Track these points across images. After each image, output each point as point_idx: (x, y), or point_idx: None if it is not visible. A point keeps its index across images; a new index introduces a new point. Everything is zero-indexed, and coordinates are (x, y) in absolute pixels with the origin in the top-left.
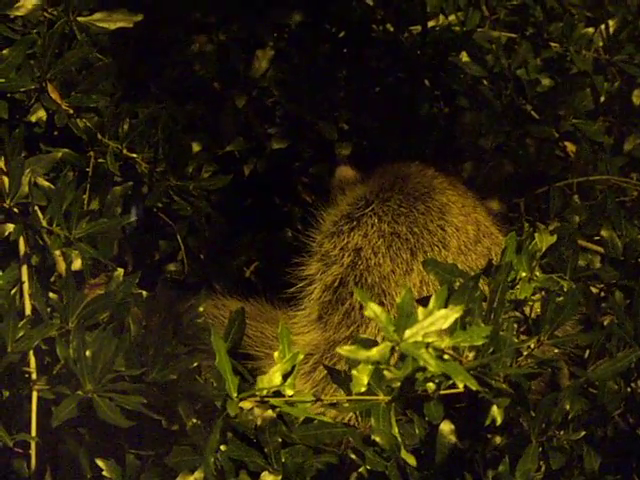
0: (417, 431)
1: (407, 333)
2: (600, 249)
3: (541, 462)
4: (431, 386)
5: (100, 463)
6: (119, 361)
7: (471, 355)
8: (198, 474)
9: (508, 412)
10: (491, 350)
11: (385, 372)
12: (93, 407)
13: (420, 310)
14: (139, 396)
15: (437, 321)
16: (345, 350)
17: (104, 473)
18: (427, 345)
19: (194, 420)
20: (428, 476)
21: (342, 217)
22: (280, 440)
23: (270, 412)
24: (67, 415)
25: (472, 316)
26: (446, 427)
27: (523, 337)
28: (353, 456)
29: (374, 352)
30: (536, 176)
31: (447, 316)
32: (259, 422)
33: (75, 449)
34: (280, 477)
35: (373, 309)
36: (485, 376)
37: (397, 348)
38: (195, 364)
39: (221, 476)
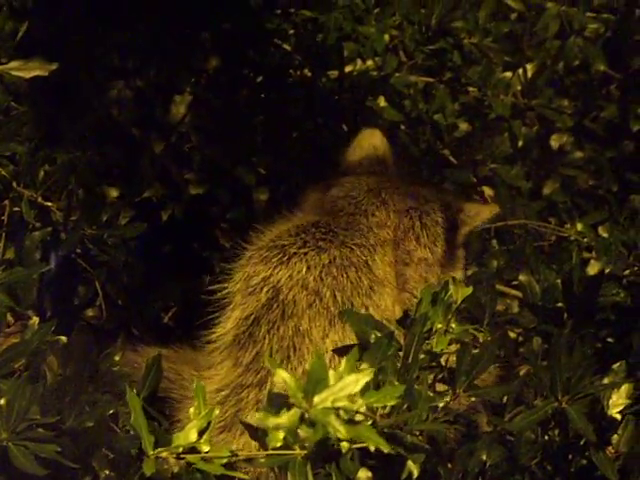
0: None
1: (316, 399)
2: (518, 294)
3: None
4: (345, 445)
5: None
6: (34, 409)
7: (386, 411)
8: None
9: (425, 464)
10: (406, 406)
11: (299, 431)
12: (8, 455)
13: (331, 374)
14: (54, 444)
15: (347, 386)
16: (255, 419)
17: None
18: (337, 409)
19: (106, 472)
20: None
21: (274, 245)
22: None
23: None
24: None
25: (385, 374)
26: (363, 475)
27: (440, 388)
28: None
29: (283, 419)
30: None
31: (358, 380)
32: (176, 470)
33: None
34: None
35: (282, 375)
36: (400, 432)
37: (306, 415)
38: (111, 411)
39: None
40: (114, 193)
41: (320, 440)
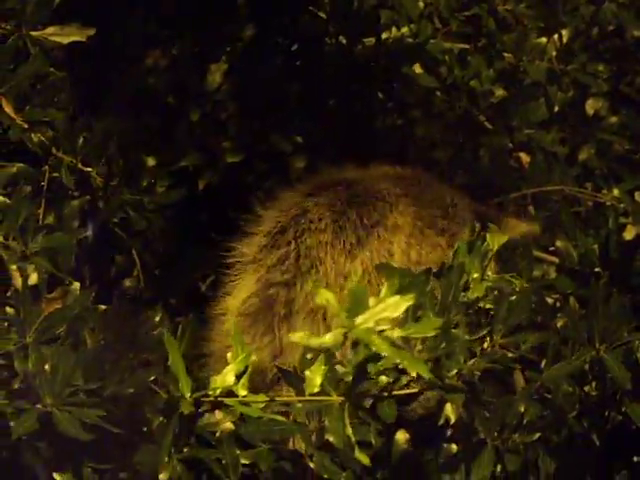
0: (373, 441)
1: (359, 319)
2: (555, 259)
3: (497, 466)
4: (383, 379)
5: (57, 477)
6: (77, 375)
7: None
8: (163, 474)
9: (462, 414)
10: (443, 345)
11: (337, 367)
12: (52, 421)
13: (372, 298)
14: (98, 409)
15: (389, 308)
16: (298, 337)
17: None
18: (379, 332)
19: (160, 419)
20: None
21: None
22: (238, 453)
23: (229, 424)
24: (26, 429)
25: (424, 309)
26: (401, 436)
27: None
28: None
29: (327, 338)
30: (490, 187)
31: (399, 304)
32: (218, 434)
33: (33, 462)
34: None
35: (325, 296)
36: (437, 372)
37: (349, 334)
38: (152, 377)
39: None
40: (151, 161)
41: (358, 377)
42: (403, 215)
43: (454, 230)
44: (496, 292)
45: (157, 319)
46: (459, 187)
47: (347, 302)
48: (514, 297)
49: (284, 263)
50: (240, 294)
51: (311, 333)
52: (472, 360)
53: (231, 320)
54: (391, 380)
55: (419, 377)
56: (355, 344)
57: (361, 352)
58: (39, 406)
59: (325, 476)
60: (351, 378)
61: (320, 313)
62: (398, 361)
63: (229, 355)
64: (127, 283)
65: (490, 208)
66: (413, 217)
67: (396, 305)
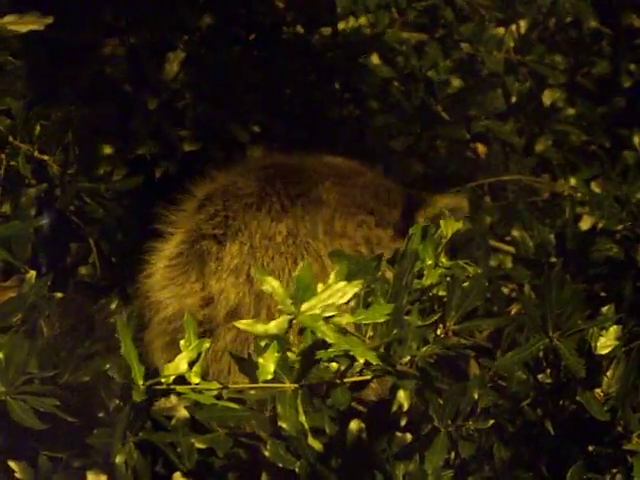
0: (327, 428)
1: (305, 306)
2: (512, 249)
3: (451, 453)
4: (334, 366)
5: (12, 465)
6: (32, 363)
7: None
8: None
9: (415, 402)
10: (395, 332)
11: (289, 354)
12: (6, 409)
13: (319, 285)
14: (52, 398)
15: (335, 294)
16: (243, 324)
17: (16, 475)
18: (326, 319)
19: (117, 401)
20: (336, 472)
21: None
22: (193, 442)
23: (184, 412)
24: None
25: (374, 296)
26: (355, 425)
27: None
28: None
29: (272, 325)
30: (447, 177)
31: (346, 290)
32: (173, 421)
33: None
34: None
35: (270, 283)
36: (389, 359)
37: (294, 321)
38: (108, 365)
39: (134, 471)
40: (108, 150)
41: (308, 363)
42: (328, 191)
43: (383, 211)
44: (449, 279)
45: (113, 307)
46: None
47: (293, 287)
48: (467, 283)
49: (214, 219)
50: (170, 245)
51: (237, 290)
52: (425, 347)
53: (160, 269)
54: (342, 367)
55: (369, 363)
56: (302, 331)
57: (308, 339)
58: None
59: (279, 464)
60: (300, 365)
61: (245, 271)
62: (346, 348)
63: (182, 342)
64: (83, 271)
65: (423, 192)
66: (339, 193)
67: (343, 291)
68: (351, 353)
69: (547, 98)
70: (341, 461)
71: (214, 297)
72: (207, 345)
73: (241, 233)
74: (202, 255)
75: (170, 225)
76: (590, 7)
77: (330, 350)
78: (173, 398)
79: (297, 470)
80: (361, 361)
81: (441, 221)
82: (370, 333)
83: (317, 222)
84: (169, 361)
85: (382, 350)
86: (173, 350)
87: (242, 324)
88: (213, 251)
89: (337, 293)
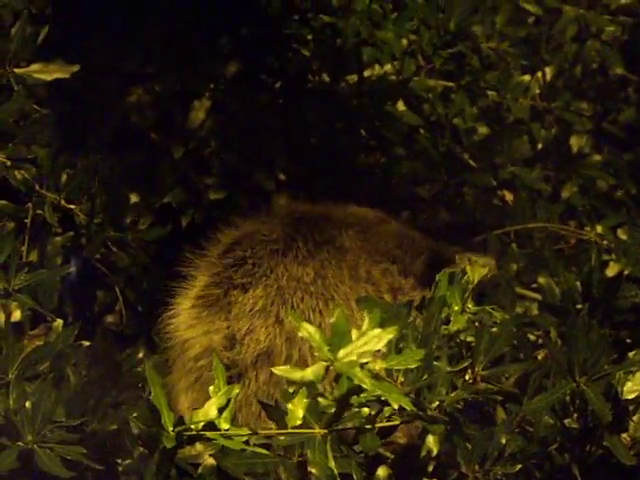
0: (355, 474)
1: (341, 353)
2: (538, 296)
3: None
4: (366, 411)
5: None
6: (59, 411)
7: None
8: None
9: (443, 444)
10: (425, 377)
11: (319, 399)
12: (33, 458)
13: (354, 331)
14: (79, 446)
15: (371, 341)
16: (280, 370)
17: None
18: (362, 365)
19: (141, 449)
20: None
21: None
22: None
23: (210, 460)
24: (8, 466)
25: (405, 341)
26: (383, 472)
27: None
28: None
29: (308, 372)
30: (474, 224)
31: (381, 336)
32: (200, 469)
33: None
34: None
35: (307, 329)
36: (419, 403)
37: (331, 367)
38: (135, 414)
39: None
40: (134, 198)
41: (340, 408)
42: (352, 239)
43: (406, 260)
44: (477, 324)
45: (139, 355)
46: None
47: (329, 335)
48: (495, 329)
49: (240, 264)
50: (196, 287)
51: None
52: (454, 392)
53: (186, 309)
54: (373, 412)
55: (401, 409)
56: (337, 377)
57: (344, 385)
58: (20, 443)
59: None
60: (333, 410)
61: (274, 313)
62: (380, 393)
63: (211, 388)
64: (109, 319)
65: (447, 246)
66: (363, 241)
67: (379, 338)
68: (383, 398)
69: (574, 144)
70: None
71: (241, 339)
72: (237, 391)
73: (267, 277)
74: (229, 298)
75: (195, 269)
76: (616, 54)
77: (363, 395)
78: (199, 446)
79: None
80: (395, 406)
81: (467, 267)
82: (401, 379)
83: (343, 267)
84: (194, 401)
85: (412, 395)
86: (198, 390)
87: (279, 370)
88: (240, 294)
89: (373, 340)
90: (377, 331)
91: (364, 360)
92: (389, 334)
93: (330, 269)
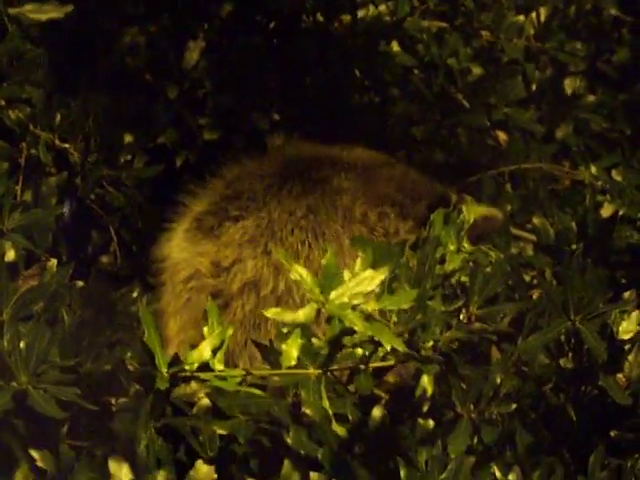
0: (349, 414)
1: (333, 295)
2: (532, 237)
3: (474, 439)
4: (359, 352)
5: (34, 453)
6: (53, 352)
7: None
8: (141, 444)
9: (438, 385)
10: (418, 317)
11: (313, 340)
12: (28, 399)
13: (346, 272)
14: (74, 387)
15: (363, 282)
16: (271, 312)
17: (38, 463)
18: (353, 307)
19: (137, 387)
20: (359, 459)
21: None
22: (215, 428)
23: (206, 400)
24: (2, 407)
25: (399, 281)
26: (377, 412)
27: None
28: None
29: (300, 314)
30: (468, 165)
31: (373, 277)
32: (194, 408)
33: (9, 440)
34: (214, 467)
35: (299, 271)
36: (413, 344)
37: (323, 310)
38: (129, 354)
39: (154, 459)
40: (129, 138)
41: (333, 349)
42: (351, 180)
43: (407, 204)
44: (472, 264)
45: (134, 295)
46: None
47: (320, 276)
48: (489, 269)
49: (237, 197)
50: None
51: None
52: (448, 332)
53: (180, 233)
54: (367, 353)
55: (395, 349)
56: (329, 319)
57: (335, 327)
58: (14, 384)
59: (302, 452)
60: (326, 351)
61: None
62: (372, 334)
63: (205, 329)
64: (104, 259)
65: (451, 189)
66: (362, 183)
67: (371, 279)
68: (376, 339)
69: (568, 86)
70: (363, 448)
71: (228, 267)
72: (231, 332)
73: (260, 210)
74: (222, 228)
75: (194, 198)
76: None
77: (356, 336)
78: (194, 384)
79: (319, 457)
80: (387, 347)
81: (463, 206)
82: (394, 319)
83: (337, 206)
84: (183, 325)
85: (406, 336)
86: (187, 314)
87: (270, 312)
88: (231, 225)
89: (364, 281)
90: (369, 272)
91: (356, 302)
92: (381, 275)
93: (323, 207)
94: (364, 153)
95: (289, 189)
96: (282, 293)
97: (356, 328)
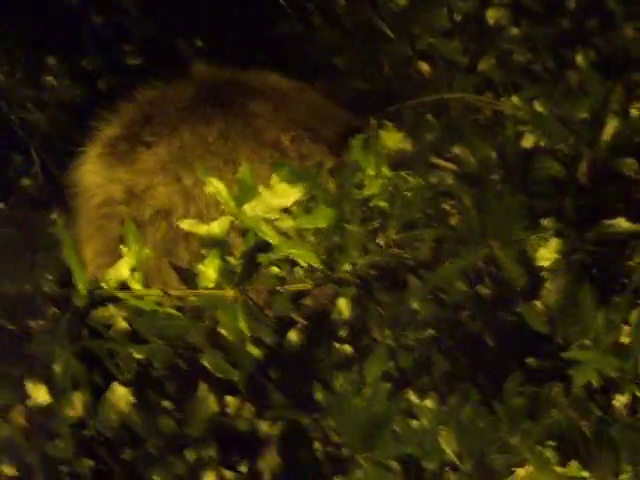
0: (266, 338)
1: (247, 207)
2: (453, 166)
3: (390, 364)
4: (275, 270)
5: None
6: None
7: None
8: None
9: (356, 310)
10: (336, 238)
11: (229, 258)
12: None
13: (261, 186)
14: None
15: (278, 196)
16: (185, 224)
17: None
18: (269, 221)
19: (54, 309)
20: (275, 382)
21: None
22: (132, 351)
23: (123, 322)
24: None
25: (316, 202)
26: (294, 336)
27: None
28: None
29: (214, 226)
30: (390, 95)
31: (288, 193)
32: (111, 332)
33: None
34: (130, 390)
35: (214, 184)
36: (330, 265)
37: (236, 222)
38: (50, 276)
39: (70, 381)
40: (52, 61)
41: (250, 268)
42: (263, 105)
43: (319, 128)
44: (391, 189)
45: (53, 217)
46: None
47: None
48: (409, 194)
49: (149, 124)
50: (104, 137)
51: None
52: (366, 256)
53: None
54: (284, 273)
55: (311, 270)
56: (244, 233)
57: (250, 240)
58: None
59: (218, 375)
60: (241, 269)
61: (174, 170)
62: (288, 251)
63: (122, 247)
64: (25, 182)
65: (363, 117)
66: (274, 107)
67: (286, 194)
68: (292, 257)
69: (490, 17)
70: (280, 371)
71: (140, 194)
72: (147, 251)
73: (171, 136)
74: (134, 154)
75: (107, 122)
76: None
77: (272, 254)
78: (112, 308)
79: (236, 380)
80: (303, 264)
81: (382, 132)
82: (311, 238)
83: (248, 130)
84: (97, 251)
85: (323, 257)
86: (101, 239)
87: (184, 224)
88: (145, 151)
89: (279, 195)
90: (284, 186)
91: (271, 216)
92: (297, 191)
93: (235, 131)
94: (277, 79)
95: (201, 113)
96: (193, 219)
97: (271, 241)
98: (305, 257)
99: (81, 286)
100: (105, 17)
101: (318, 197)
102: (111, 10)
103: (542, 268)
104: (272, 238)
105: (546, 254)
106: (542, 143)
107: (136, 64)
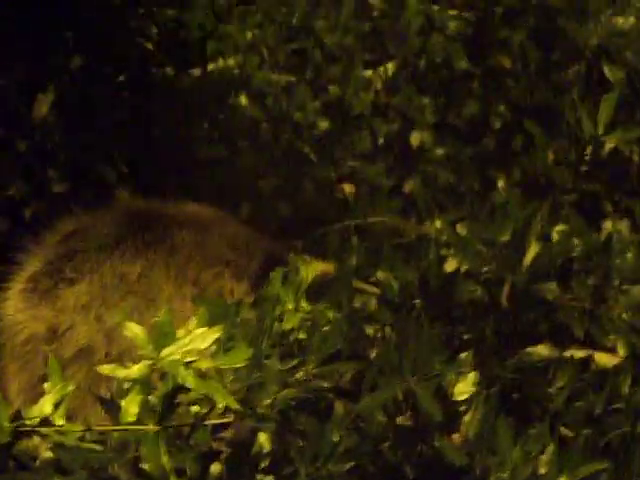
0: (188, 469)
1: (165, 351)
2: (377, 290)
3: None
4: (195, 409)
5: None
6: None
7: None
8: None
9: (276, 443)
10: (255, 375)
11: (150, 397)
12: None
13: (180, 330)
14: None
15: (196, 340)
16: (105, 368)
17: None
18: (187, 364)
19: None
20: None
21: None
22: None
23: (48, 453)
24: None
25: (235, 340)
26: (216, 467)
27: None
28: None
29: (134, 370)
30: (315, 218)
31: (206, 335)
32: (37, 463)
33: None
34: None
35: (132, 329)
36: (249, 402)
37: (155, 366)
38: None
39: None
40: None
41: (170, 406)
42: (184, 240)
43: (241, 263)
44: (309, 323)
45: None
46: (272, 222)
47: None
48: (327, 328)
49: (69, 256)
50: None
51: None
52: (285, 390)
53: (16, 293)
54: (204, 410)
55: (230, 407)
56: (163, 376)
57: (169, 383)
58: None
59: None
60: (162, 407)
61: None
62: (206, 392)
63: (47, 385)
64: None
65: (285, 245)
66: (195, 243)
67: (204, 337)
68: (211, 397)
69: (415, 139)
70: None
71: (62, 334)
72: (71, 387)
73: (93, 273)
74: (57, 291)
75: (29, 255)
76: (460, 48)
77: (191, 394)
78: (36, 439)
79: None
80: (220, 405)
81: (300, 265)
82: (231, 377)
83: (170, 268)
84: (23, 386)
85: (242, 394)
86: (27, 375)
87: (104, 368)
88: (67, 288)
89: (198, 338)
90: (202, 330)
91: (189, 359)
92: (215, 333)
93: (156, 270)
94: (199, 210)
95: (122, 251)
96: (115, 359)
97: (188, 385)
98: (223, 399)
99: (5, 422)
100: (29, 144)
101: (237, 335)
102: (35, 136)
103: (459, 402)
104: (190, 382)
105: (464, 388)
106: (464, 266)
107: (61, 191)
